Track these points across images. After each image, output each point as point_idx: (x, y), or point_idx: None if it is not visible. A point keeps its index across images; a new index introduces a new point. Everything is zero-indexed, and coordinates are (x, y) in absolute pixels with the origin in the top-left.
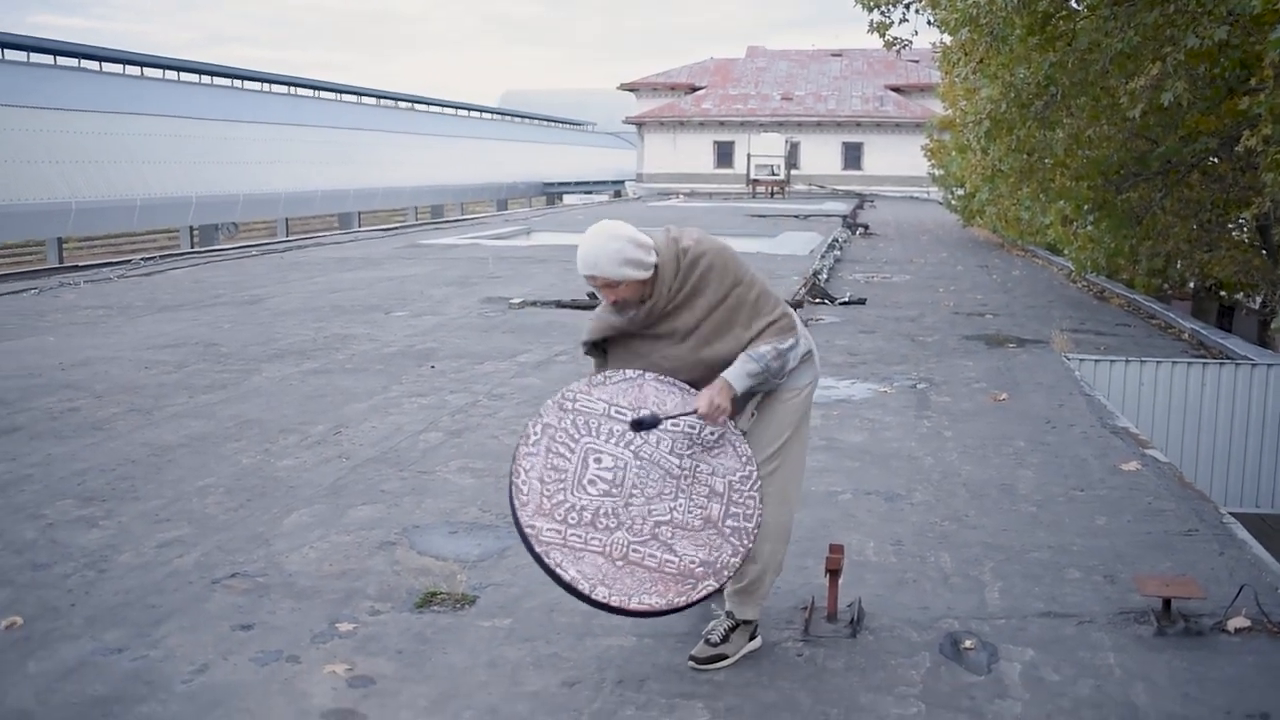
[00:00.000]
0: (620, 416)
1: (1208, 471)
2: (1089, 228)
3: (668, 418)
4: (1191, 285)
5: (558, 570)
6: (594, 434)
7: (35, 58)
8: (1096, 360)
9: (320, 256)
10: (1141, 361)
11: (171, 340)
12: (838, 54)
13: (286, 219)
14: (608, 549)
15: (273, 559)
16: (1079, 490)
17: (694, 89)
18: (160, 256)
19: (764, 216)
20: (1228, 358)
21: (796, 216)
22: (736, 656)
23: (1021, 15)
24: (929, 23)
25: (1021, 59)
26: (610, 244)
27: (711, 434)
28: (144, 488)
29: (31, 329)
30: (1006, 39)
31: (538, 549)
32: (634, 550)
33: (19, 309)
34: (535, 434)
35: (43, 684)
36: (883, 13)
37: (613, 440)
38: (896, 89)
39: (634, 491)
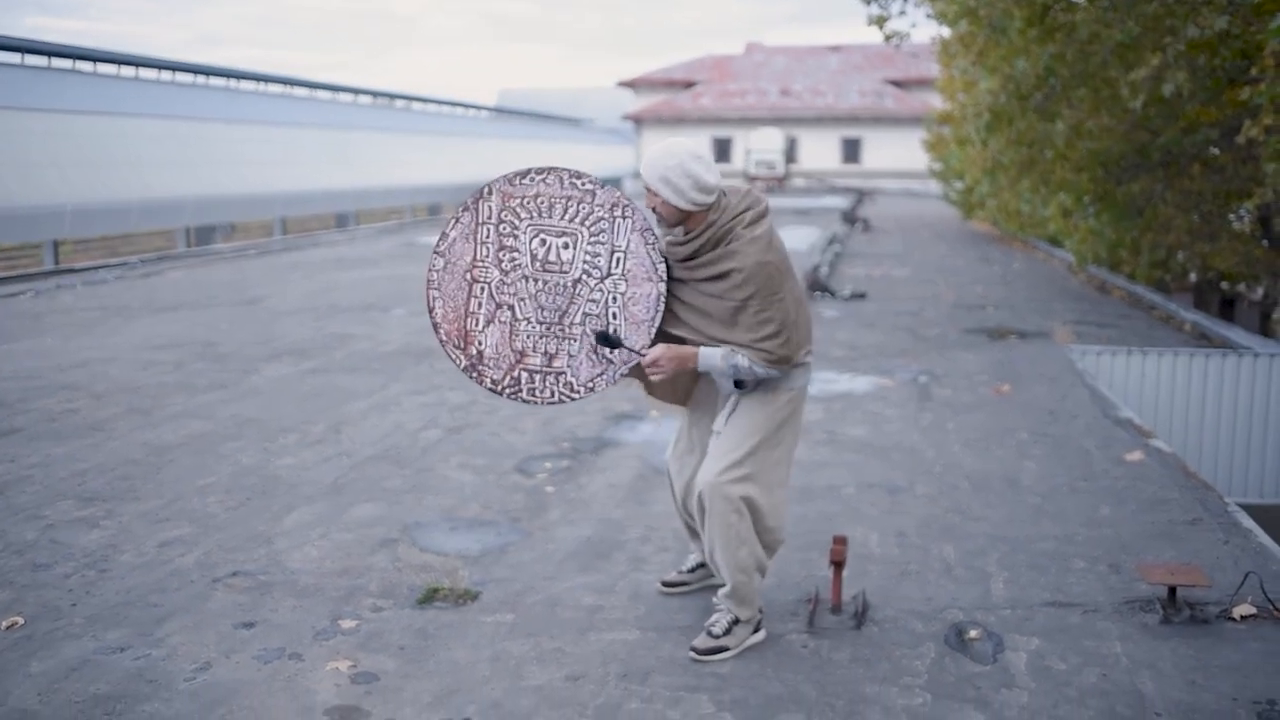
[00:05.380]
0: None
1: (1211, 462)
2: (1090, 220)
3: (625, 347)
4: (1193, 277)
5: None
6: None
7: (29, 59)
8: (1099, 352)
9: (318, 256)
10: (1144, 353)
11: (170, 341)
12: (836, 49)
13: (283, 219)
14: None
15: (274, 557)
16: (1083, 481)
17: (692, 85)
18: (158, 258)
19: None
20: (1230, 348)
21: (796, 211)
22: (738, 649)
23: (1020, 7)
24: (927, 16)
25: (1021, 51)
26: (666, 159)
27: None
28: (144, 487)
29: (29, 331)
30: (1006, 31)
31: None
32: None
33: (16, 311)
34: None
35: (45, 683)
36: (881, 6)
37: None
38: (895, 83)
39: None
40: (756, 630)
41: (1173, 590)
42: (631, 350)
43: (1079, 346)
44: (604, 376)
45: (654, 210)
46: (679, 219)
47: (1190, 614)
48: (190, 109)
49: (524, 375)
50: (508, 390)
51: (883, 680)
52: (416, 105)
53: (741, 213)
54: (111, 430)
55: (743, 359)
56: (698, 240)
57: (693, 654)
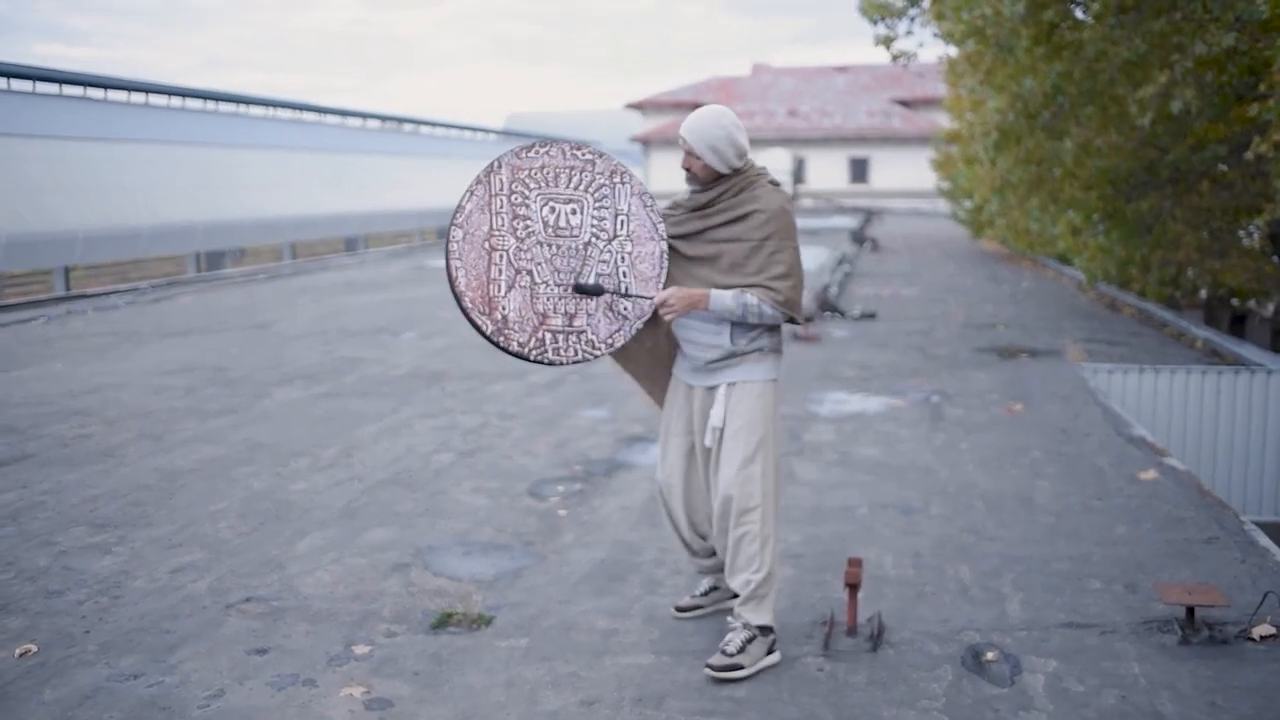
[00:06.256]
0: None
1: (1225, 479)
2: (1099, 238)
3: (617, 293)
4: (1203, 294)
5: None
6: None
7: (40, 87)
8: (1110, 370)
9: (327, 280)
10: (1156, 370)
11: (181, 366)
12: (843, 69)
13: (292, 243)
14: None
15: (287, 582)
16: (1097, 500)
17: (698, 106)
18: (168, 283)
19: None
20: (1242, 365)
21: (804, 232)
22: (753, 669)
23: (1027, 26)
24: (934, 35)
25: (1028, 70)
26: (715, 129)
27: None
28: (156, 513)
29: (41, 357)
30: (1013, 50)
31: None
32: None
33: (28, 337)
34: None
35: (59, 711)
36: (888, 26)
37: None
38: (903, 103)
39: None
40: (771, 652)
41: (1191, 610)
42: (636, 296)
43: (1090, 365)
44: (622, 331)
45: (688, 170)
46: (713, 178)
47: (1209, 634)
48: (199, 134)
49: (548, 336)
50: (534, 351)
51: (900, 703)
52: (425, 129)
53: (762, 172)
54: (123, 456)
55: (752, 298)
56: (720, 187)
57: (709, 670)
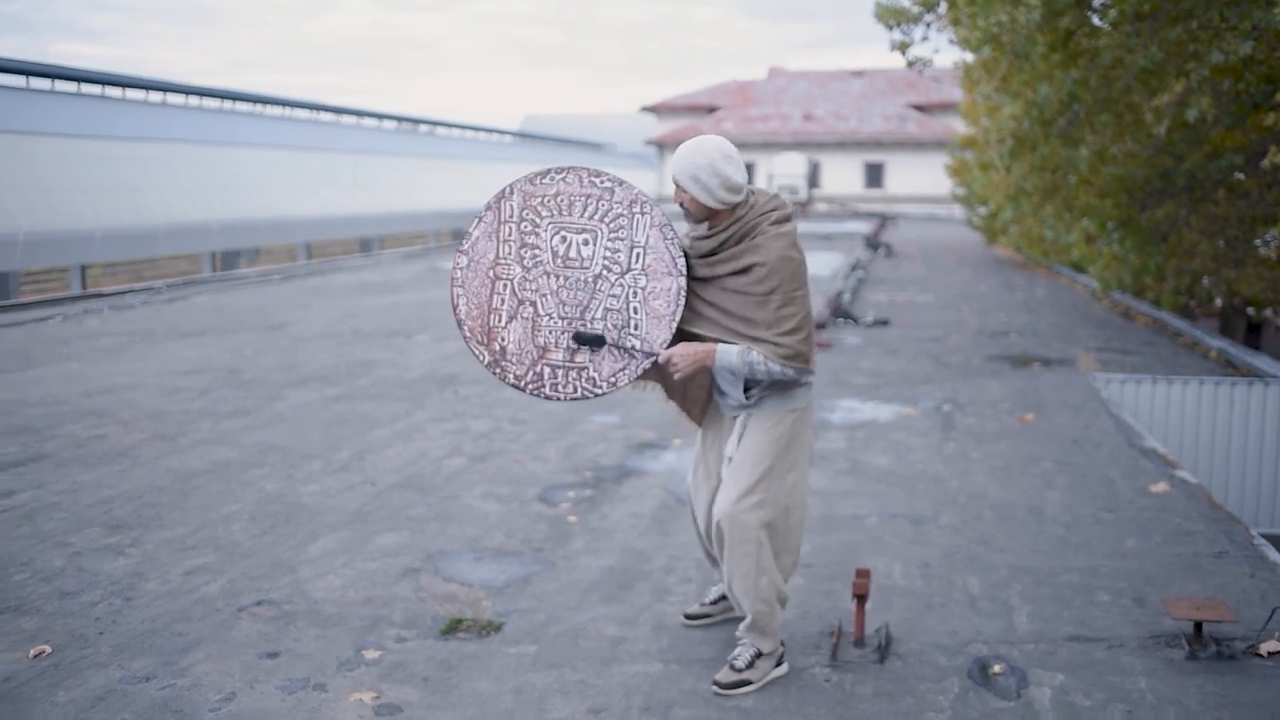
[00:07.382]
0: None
1: (1238, 492)
2: (1114, 246)
3: (619, 346)
4: (1218, 303)
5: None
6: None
7: (58, 85)
8: (1123, 380)
9: (341, 282)
10: (1169, 380)
11: (195, 366)
12: (858, 73)
13: (308, 244)
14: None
15: (298, 586)
16: (1107, 512)
17: (714, 109)
18: (183, 283)
19: None
20: (1256, 376)
21: (819, 236)
22: (761, 682)
23: (1043, 33)
24: (950, 41)
25: (1044, 76)
26: (696, 157)
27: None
28: (169, 515)
29: (56, 356)
30: (1029, 57)
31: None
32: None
33: (44, 336)
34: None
35: (72, 713)
36: (903, 32)
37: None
38: (918, 107)
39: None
40: (779, 664)
41: (1198, 625)
42: (643, 352)
43: (1103, 374)
44: (626, 371)
45: (681, 205)
46: (706, 215)
47: (1216, 650)
48: (216, 134)
49: (547, 370)
50: (531, 386)
51: (906, 715)
52: (440, 130)
53: (767, 212)
54: (137, 457)
55: (758, 356)
56: (723, 234)
57: (715, 688)
